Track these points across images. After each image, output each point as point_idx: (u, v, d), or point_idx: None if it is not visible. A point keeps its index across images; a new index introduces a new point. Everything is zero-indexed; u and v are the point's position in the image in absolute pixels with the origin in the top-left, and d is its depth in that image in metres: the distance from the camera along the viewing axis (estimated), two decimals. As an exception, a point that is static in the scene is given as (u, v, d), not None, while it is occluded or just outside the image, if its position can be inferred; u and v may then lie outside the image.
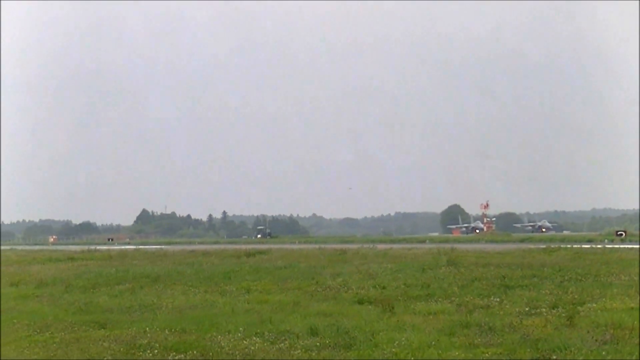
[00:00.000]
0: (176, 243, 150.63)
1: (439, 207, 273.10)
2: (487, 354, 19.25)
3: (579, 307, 27.36)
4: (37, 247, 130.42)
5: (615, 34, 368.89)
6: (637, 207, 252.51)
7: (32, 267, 60.58)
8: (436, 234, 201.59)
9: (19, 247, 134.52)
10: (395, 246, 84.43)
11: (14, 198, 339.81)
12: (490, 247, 78.18)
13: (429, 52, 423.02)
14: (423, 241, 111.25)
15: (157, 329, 24.35)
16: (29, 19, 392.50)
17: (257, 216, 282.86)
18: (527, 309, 27.78)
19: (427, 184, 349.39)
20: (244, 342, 21.70)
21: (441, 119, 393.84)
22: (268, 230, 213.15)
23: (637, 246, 73.33)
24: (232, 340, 22.03)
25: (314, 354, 19.85)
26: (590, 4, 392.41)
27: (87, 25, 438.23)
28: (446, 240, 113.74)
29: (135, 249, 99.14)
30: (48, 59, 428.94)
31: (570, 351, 19.08)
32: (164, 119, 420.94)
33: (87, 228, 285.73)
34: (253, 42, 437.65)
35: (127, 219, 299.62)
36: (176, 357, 19.57)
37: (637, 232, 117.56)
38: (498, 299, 30.68)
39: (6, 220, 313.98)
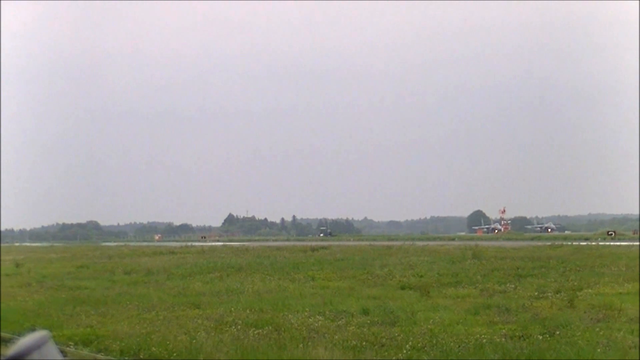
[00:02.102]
0: (256, 240, 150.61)
1: (465, 212, 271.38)
2: (504, 330, 19.15)
3: (578, 292, 27.16)
4: (145, 244, 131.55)
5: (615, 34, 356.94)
6: (625, 212, 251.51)
7: (142, 259, 61.32)
8: (463, 233, 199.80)
9: (131, 244, 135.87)
10: (430, 243, 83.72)
11: (127, 205, 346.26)
12: (506, 244, 77.25)
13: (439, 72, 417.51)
14: (453, 239, 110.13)
15: (240, 309, 24.53)
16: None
17: (320, 219, 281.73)
18: (536, 293, 27.64)
19: (456, 193, 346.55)
20: (310, 319, 21.79)
21: (466, 141, 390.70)
22: (329, 230, 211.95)
23: (625, 243, 72.80)
24: (300, 318, 22.12)
25: (365, 329, 19.87)
26: (590, 4, 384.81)
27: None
28: (471, 239, 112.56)
29: (223, 245, 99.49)
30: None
31: (571, 328, 18.96)
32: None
33: (185, 228, 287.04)
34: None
35: (217, 221, 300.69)
36: (255, 332, 19.67)
37: (625, 233, 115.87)
38: (513, 286, 30.55)
39: (121, 222, 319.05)
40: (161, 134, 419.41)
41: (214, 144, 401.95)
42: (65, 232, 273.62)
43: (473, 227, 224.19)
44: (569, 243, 72.24)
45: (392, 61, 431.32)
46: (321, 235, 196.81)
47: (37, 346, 2.62)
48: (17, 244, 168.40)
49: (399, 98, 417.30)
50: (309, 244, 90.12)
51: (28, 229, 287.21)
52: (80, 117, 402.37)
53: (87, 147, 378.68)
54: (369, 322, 21.31)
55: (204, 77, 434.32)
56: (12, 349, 2.59)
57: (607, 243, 75.23)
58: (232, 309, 24.65)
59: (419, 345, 17.28)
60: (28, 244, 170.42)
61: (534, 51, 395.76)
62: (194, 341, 18.09)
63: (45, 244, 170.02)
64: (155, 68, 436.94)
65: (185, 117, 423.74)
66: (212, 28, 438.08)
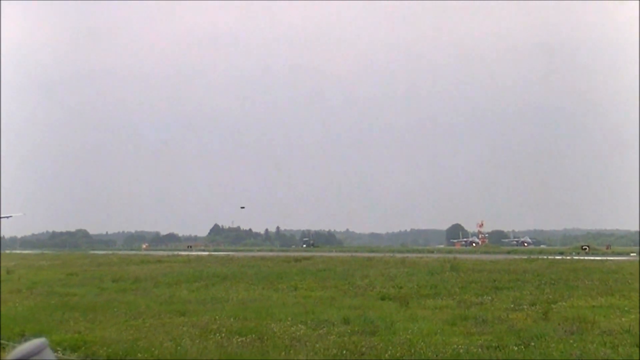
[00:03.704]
0: (240, 250, 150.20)
1: (444, 225, 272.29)
2: (481, 340, 19.20)
3: (552, 305, 27.26)
4: (133, 252, 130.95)
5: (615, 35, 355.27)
6: (598, 227, 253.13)
7: (130, 267, 61.07)
8: (442, 246, 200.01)
9: (120, 252, 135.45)
10: (410, 255, 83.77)
11: (116, 214, 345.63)
12: (484, 257, 77.38)
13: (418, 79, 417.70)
14: (432, 252, 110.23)
15: (225, 317, 24.46)
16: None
17: (303, 230, 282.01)
18: (512, 305, 27.70)
19: (436, 207, 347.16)
20: (292, 328, 21.75)
21: (445, 161, 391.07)
22: (311, 242, 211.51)
23: (598, 258, 73.56)
24: (282, 326, 22.07)
25: (346, 338, 19.85)
26: (590, 3, 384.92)
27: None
28: (450, 251, 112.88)
29: (208, 255, 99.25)
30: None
31: (545, 339, 19.01)
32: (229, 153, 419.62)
33: (171, 238, 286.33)
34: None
35: (203, 231, 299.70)
36: (239, 339, 19.61)
37: (599, 247, 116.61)
38: (490, 298, 30.61)
39: (110, 230, 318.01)
40: (149, 145, 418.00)
41: (201, 156, 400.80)
42: (55, 240, 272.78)
43: (452, 240, 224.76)
44: (544, 257, 72.36)
45: (374, 74, 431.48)
46: (304, 246, 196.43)
47: (35, 353, 2.62)
48: (7, 251, 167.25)
49: (380, 111, 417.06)
50: (292, 254, 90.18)
51: (19, 236, 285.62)
52: (71, 128, 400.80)
53: (78, 156, 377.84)
54: (349, 331, 21.28)
55: (193, 89, 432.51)
56: (9, 356, 2.59)
57: (581, 257, 75.62)
58: (217, 317, 24.58)
59: (397, 354, 17.28)
60: (19, 251, 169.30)
61: (512, 68, 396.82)
62: (180, 348, 18.02)
63: (35, 251, 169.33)
64: (148, 80, 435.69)
65: (173, 130, 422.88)
66: (204, 41, 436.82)
